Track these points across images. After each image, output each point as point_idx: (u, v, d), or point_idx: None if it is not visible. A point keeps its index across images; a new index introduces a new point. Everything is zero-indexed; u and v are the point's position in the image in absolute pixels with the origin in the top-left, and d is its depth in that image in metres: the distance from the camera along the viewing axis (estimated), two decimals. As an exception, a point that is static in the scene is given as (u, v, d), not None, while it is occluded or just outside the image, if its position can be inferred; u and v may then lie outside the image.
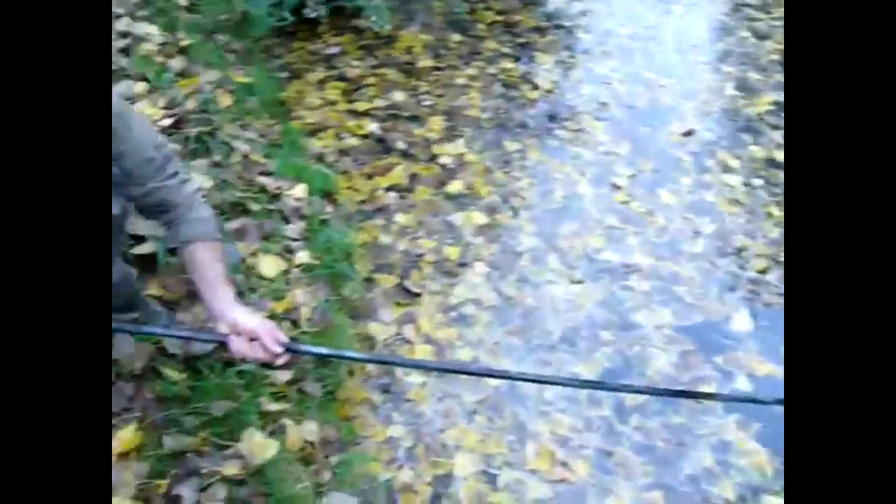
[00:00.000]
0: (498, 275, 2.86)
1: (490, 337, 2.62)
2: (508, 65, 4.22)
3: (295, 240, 2.55)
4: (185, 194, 1.70)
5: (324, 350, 1.79)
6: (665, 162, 3.53)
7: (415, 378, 2.46)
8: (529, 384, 2.47)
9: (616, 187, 3.34)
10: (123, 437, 1.82)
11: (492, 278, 2.84)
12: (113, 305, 1.97)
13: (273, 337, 1.62)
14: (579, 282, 2.85)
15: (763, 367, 2.59)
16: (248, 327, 1.61)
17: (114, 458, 1.78)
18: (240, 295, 1.81)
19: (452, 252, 2.92)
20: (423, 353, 2.54)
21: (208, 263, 1.69)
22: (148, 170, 1.64)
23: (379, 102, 3.77)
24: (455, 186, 3.25)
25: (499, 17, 4.74)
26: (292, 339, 2.00)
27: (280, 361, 1.66)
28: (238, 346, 1.63)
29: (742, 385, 2.53)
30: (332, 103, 3.76)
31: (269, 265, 2.39)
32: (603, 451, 2.31)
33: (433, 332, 2.61)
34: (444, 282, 2.81)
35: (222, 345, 1.68)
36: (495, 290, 2.80)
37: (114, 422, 1.85)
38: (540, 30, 4.66)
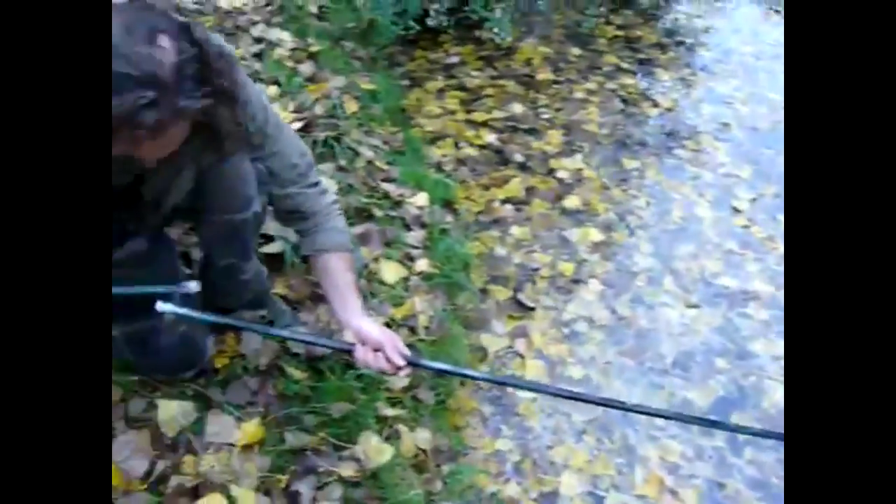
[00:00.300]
0: (612, 293, 2.83)
1: (602, 356, 2.60)
2: (628, 80, 4.18)
3: (415, 247, 2.59)
4: (323, 204, 1.77)
5: (446, 366, 1.83)
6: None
7: (525, 392, 2.45)
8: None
9: (736, 211, 3.27)
10: (247, 429, 1.88)
11: (606, 296, 2.82)
12: (244, 301, 2.07)
13: (397, 350, 1.67)
14: (695, 306, 2.79)
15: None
16: (374, 338, 1.67)
17: (237, 450, 1.85)
18: (362, 299, 1.86)
19: (567, 268, 2.91)
20: (533, 368, 2.53)
21: (340, 273, 1.77)
22: (291, 174, 1.72)
23: (497, 113, 3.79)
24: (572, 201, 3.24)
25: (619, 32, 4.70)
26: (409, 346, 2.04)
27: (402, 374, 1.73)
28: (363, 355, 1.69)
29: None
30: (451, 112, 3.80)
31: (390, 271, 2.44)
32: (714, 482, 2.25)
33: (545, 348, 2.60)
34: (558, 297, 2.80)
35: (348, 353, 1.74)
36: (609, 309, 2.77)
37: (238, 414, 1.92)
38: (661, 46, 4.60)
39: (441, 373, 2.20)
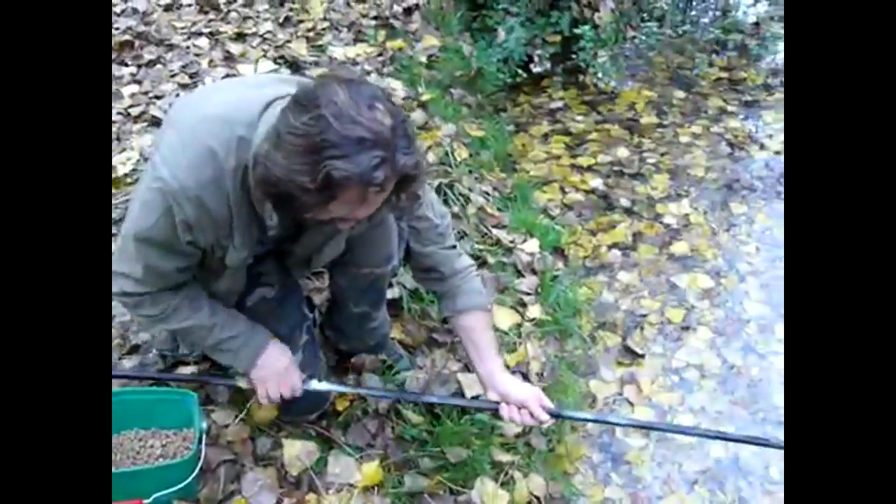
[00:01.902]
0: (722, 341, 2.80)
1: (713, 405, 2.57)
2: (734, 123, 4.15)
3: (527, 294, 2.63)
4: (461, 267, 1.87)
5: (588, 415, 2.04)
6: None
7: (634, 440, 2.45)
8: (753, 457, 2.38)
9: (851, 258, 3.19)
10: (367, 471, 1.95)
11: (716, 344, 2.79)
12: (369, 344, 2.16)
13: (540, 404, 1.77)
14: (810, 355, 2.73)
15: None
16: (519, 398, 1.78)
17: (357, 491, 1.92)
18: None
19: (676, 314, 2.90)
20: (643, 415, 2.52)
21: (481, 332, 1.87)
22: (432, 234, 1.81)
23: (602, 158, 3.82)
24: (679, 247, 3.23)
25: (723, 74, 4.68)
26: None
27: (546, 426, 1.87)
28: (509, 413, 1.79)
29: None
30: (556, 157, 3.85)
31: (504, 318, 2.49)
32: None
33: (654, 395, 2.60)
34: (667, 344, 2.79)
35: (494, 411, 1.85)
36: (719, 357, 2.74)
37: (358, 456, 1.99)
38: (767, 87, 4.55)
39: (586, 421, 2.35)
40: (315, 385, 1.88)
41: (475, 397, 2.12)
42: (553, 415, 1.81)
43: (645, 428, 2.44)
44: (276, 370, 1.80)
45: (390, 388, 2.14)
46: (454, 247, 1.89)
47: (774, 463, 2.37)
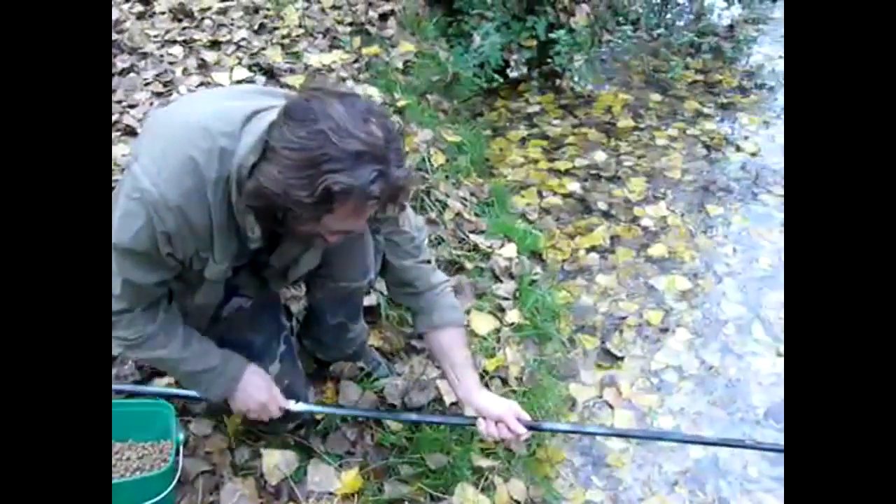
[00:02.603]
0: (700, 342, 2.82)
1: (692, 406, 2.58)
2: (710, 126, 4.18)
3: (506, 299, 2.64)
4: (437, 281, 1.88)
5: (565, 426, 2.09)
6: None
7: (614, 443, 2.45)
8: (732, 457, 2.39)
9: (827, 257, 3.21)
10: (346, 479, 1.94)
11: (694, 346, 2.80)
12: (346, 353, 2.16)
13: (517, 418, 1.79)
14: (787, 355, 2.75)
15: None
16: (495, 413, 1.79)
17: (337, 499, 1.91)
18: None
19: (654, 316, 2.91)
20: (622, 418, 2.53)
21: (456, 349, 1.88)
22: (409, 247, 1.82)
23: (579, 162, 3.84)
24: (657, 250, 3.24)
25: (699, 77, 4.71)
26: (503, 395, 2.10)
27: (523, 439, 1.86)
28: (486, 428, 1.81)
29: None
30: (534, 161, 3.87)
31: (483, 323, 2.49)
32: (812, 537, 2.21)
33: (634, 398, 2.60)
34: (646, 346, 2.80)
35: (472, 426, 1.87)
36: (698, 358, 2.75)
37: (338, 464, 1.98)
38: (742, 89, 4.59)
39: (564, 433, 2.36)
40: (298, 407, 1.88)
41: (454, 407, 2.13)
42: (530, 427, 1.82)
43: (623, 436, 2.44)
44: (254, 402, 1.80)
45: (370, 408, 2.14)
46: (429, 261, 1.91)
47: (753, 462, 2.38)
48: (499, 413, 1.79)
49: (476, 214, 3.01)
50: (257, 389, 1.79)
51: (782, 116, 4.27)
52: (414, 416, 2.06)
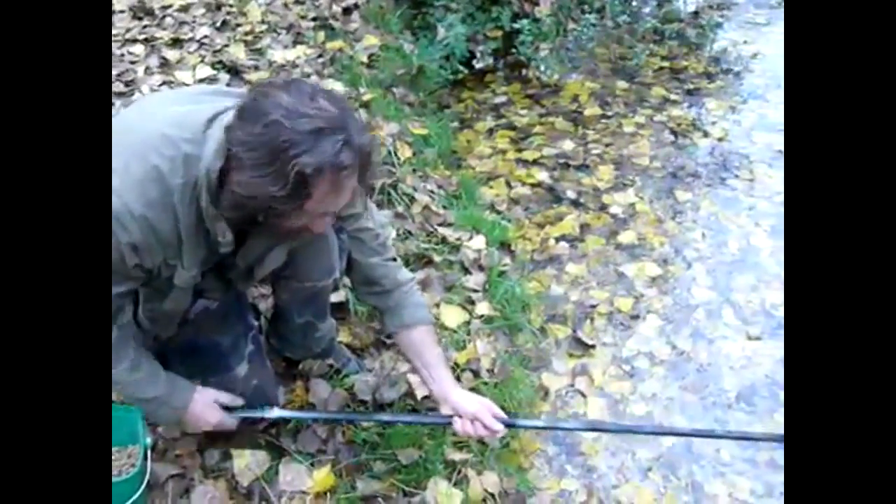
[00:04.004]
0: (671, 328, 2.83)
1: (664, 392, 2.59)
2: (677, 112, 4.20)
3: (475, 291, 2.63)
4: (404, 279, 1.87)
5: (539, 423, 2.14)
6: (846, 213, 3.39)
7: (588, 432, 2.46)
8: (705, 442, 2.41)
9: (794, 239, 3.24)
10: (319, 477, 1.93)
11: (665, 331, 2.82)
12: (315, 352, 2.14)
13: (492, 415, 1.79)
14: (756, 338, 2.77)
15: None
16: (470, 411, 1.79)
17: (310, 497, 1.90)
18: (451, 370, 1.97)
19: (625, 304, 2.92)
20: (595, 406, 2.54)
21: (428, 347, 1.88)
22: (374, 244, 1.81)
23: (547, 151, 3.83)
24: (626, 237, 3.25)
25: (665, 64, 4.72)
26: (473, 389, 2.10)
27: (499, 436, 1.88)
28: (461, 427, 1.81)
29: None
30: (502, 152, 3.86)
31: (452, 316, 2.48)
32: (785, 518, 2.23)
33: (606, 385, 2.61)
34: (617, 334, 2.81)
35: (448, 425, 1.87)
36: (669, 344, 2.76)
37: (310, 462, 1.97)
38: (708, 75, 4.61)
39: (539, 429, 2.39)
40: (275, 413, 1.89)
41: (426, 401, 2.13)
42: (506, 424, 1.83)
43: (599, 430, 2.43)
44: (205, 425, 1.82)
45: (340, 410, 2.13)
46: (395, 259, 1.89)
47: (725, 446, 2.40)
48: (474, 411, 1.79)
49: (444, 207, 3.00)
50: (205, 414, 1.80)
51: (748, 100, 4.31)
52: (387, 417, 2.07)
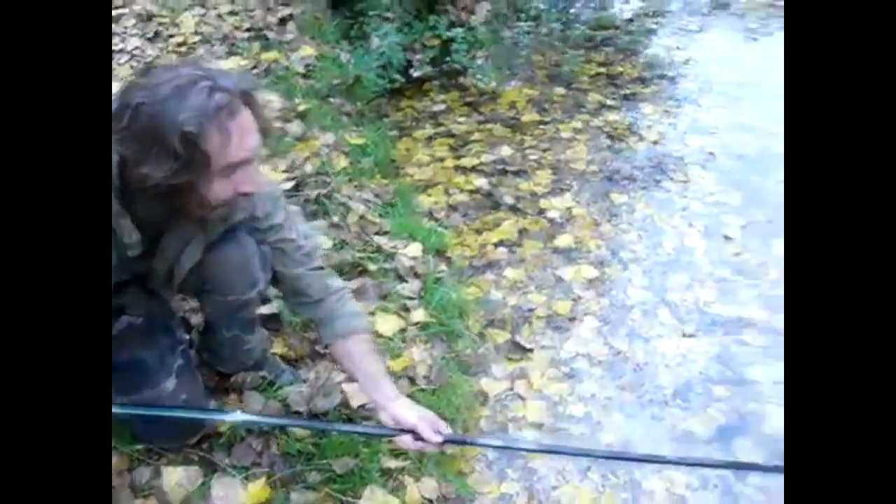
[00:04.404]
0: (608, 329, 2.86)
1: (602, 392, 2.61)
2: (613, 117, 4.26)
3: (410, 298, 2.62)
4: (334, 288, 1.84)
5: (487, 441, 2.15)
6: (779, 211, 3.46)
7: (528, 433, 2.47)
8: (642, 439, 2.43)
9: (728, 238, 3.31)
10: (253, 491, 1.90)
11: (602, 333, 2.84)
12: (247, 365, 2.12)
13: (434, 428, 1.75)
14: (691, 336, 2.82)
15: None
16: (410, 423, 1.75)
17: (244, 512, 1.87)
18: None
19: (562, 307, 2.94)
20: (535, 409, 2.54)
21: (366, 357, 1.84)
22: (298, 255, 1.79)
23: (486, 157, 3.86)
24: (564, 240, 3.28)
25: (601, 70, 4.79)
26: (409, 396, 2.09)
27: (441, 449, 1.83)
28: (402, 440, 1.77)
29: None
30: (440, 160, 3.87)
31: (387, 324, 2.47)
32: (722, 511, 2.26)
33: (545, 388, 2.62)
34: (555, 336, 2.83)
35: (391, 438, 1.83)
36: (606, 345, 2.79)
37: (244, 476, 1.94)
38: (643, 80, 4.69)
39: (482, 446, 2.35)
40: (237, 417, 1.85)
41: (361, 409, 2.12)
42: (448, 440, 1.79)
43: (552, 453, 2.41)
44: None
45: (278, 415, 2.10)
46: (322, 268, 1.86)
47: (664, 442, 2.43)
48: (413, 423, 1.75)
49: (380, 216, 3.00)
50: None
51: (682, 104, 4.39)
52: (345, 427, 2.02)
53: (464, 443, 2.14)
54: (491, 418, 2.50)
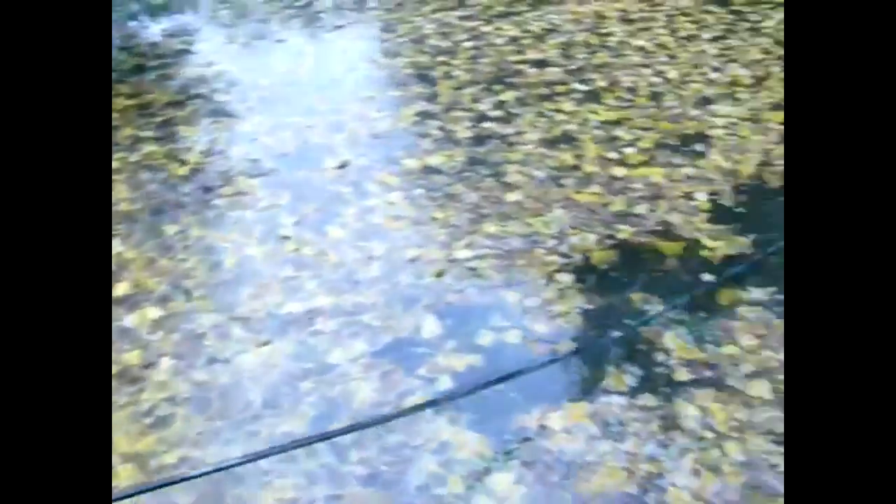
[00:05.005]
0: (185, 364, 2.78)
1: (192, 430, 2.54)
2: (151, 148, 4.12)
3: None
4: None
5: None
6: (327, 199, 3.62)
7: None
8: (244, 466, 2.40)
9: (284, 238, 3.38)
10: None
11: (180, 369, 2.76)
12: None
13: None
14: (266, 343, 2.84)
15: (461, 361, 2.73)
16: None
17: None
18: None
19: (133, 357, 2.80)
20: (127, 473, 2.40)
21: None
22: None
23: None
24: (121, 288, 3.11)
25: (130, 101, 4.61)
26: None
27: None
28: None
29: (445, 385, 2.64)
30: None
31: None
32: (332, 496, 2.31)
33: (132, 447, 2.48)
34: (131, 390, 2.68)
35: None
36: (187, 381, 2.71)
37: None
38: (177, 104, 4.60)
39: None
40: None
41: None
42: None
43: None
44: None
45: None
46: None
47: (262, 458, 2.42)
48: None
49: None
50: None
51: (220, 119, 4.38)
52: None
53: None
54: None
